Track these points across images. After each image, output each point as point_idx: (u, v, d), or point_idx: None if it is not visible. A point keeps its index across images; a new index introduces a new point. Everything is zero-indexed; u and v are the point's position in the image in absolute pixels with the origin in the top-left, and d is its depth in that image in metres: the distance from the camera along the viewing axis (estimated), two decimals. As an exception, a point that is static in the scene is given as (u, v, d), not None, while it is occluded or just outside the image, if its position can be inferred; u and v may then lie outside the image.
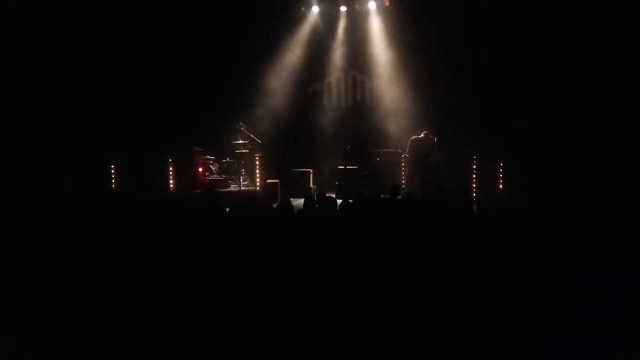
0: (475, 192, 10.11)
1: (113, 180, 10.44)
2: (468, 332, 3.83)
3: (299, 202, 5.92)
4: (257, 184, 10.84)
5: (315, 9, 12.35)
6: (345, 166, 11.33)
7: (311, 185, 11.69)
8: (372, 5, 12.25)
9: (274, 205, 5.51)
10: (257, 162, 10.86)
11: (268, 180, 10.91)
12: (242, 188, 11.04)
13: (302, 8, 12.30)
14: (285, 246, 4.56)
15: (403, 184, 11.02)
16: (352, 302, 4.04)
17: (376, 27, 12.33)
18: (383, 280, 4.22)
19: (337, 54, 12.64)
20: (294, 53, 12.35)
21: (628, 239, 5.04)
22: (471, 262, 4.36)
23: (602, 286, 4.25)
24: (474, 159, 10.29)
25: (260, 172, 10.84)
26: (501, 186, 10.04)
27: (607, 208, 6.46)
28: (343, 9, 12.39)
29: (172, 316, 4.02)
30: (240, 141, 11.35)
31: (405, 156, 11.31)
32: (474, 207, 8.82)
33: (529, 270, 4.32)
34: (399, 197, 7.44)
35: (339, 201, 6.28)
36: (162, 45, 11.43)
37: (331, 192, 10.72)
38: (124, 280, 4.38)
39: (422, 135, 11.07)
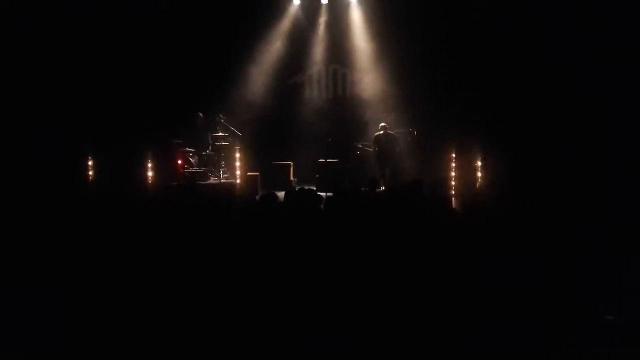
0: (455, 186, 10.19)
1: (90, 174, 10.28)
2: (452, 332, 3.84)
3: (279, 194, 5.89)
4: (237, 176, 10.78)
5: (296, 1, 12.27)
6: (325, 159, 11.33)
7: (292, 178, 11.68)
8: (353, -2, 12.22)
9: (257, 198, 5.49)
10: (237, 155, 10.79)
11: (248, 173, 10.86)
12: (222, 181, 10.97)
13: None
14: (268, 239, 4.54)
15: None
16: (337, 298, 4.03)
17: (357, 19, 12.29)
18: (366, 276, 4.22)
19: (318, 46, 12.57)
20: (274, 45, 12.24)
21: (617, 237, 5.06)
22: (449, 259, 4.38)
23: (588, 287, 4.26)
24: (454, 154, 10.36)
25: (240, 165, 10.78)
26: (480, 180, 10.12)
27: (593, 205, 6.51)
28: (324, 1, 12.32)
29: (150, 317, 3.96)
30: (220, 133, 11.27)
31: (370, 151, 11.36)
32: (453, 202, 8.90)
33: (509, 266, 4.34)
34: (378, 190, 7.49)
35: (321, 194, 6.28)
36: (141, 37, 11.24)
37: (312, 184, 10.74)
38: (103, 280, 4.32)
39: (380, 129, 11.12)
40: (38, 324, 3.95)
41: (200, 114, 11.42)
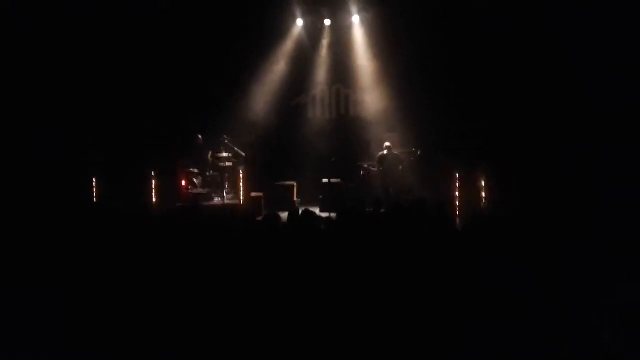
0: (459, 205, 10.14)
1: (94, 193, 10.29)
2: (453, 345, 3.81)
3: (283, 216, 5.87)
4: (241, 197, 10.76)
5: (299, 23, 12.40)
6: (329, 179, 11.31)
7: (295, 199, 11.65)
8: (356, 19, 12.33)
9: (260, 218, 5.47)
10: (241, 176, 10.79)
11: (252, 194, 10.85)
12: (226, 201, 10.96)
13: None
14: (271, 260, 4.51)
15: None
16: (340, 317, 4.00)
17: (360, 40, 12.40)
18: (369, 294, 4.19)
19: (322, 67, 12.66)
20: (278, 66, 12.35)
21: (619, 254, 5.04)
22: (453, 277, 4.35)
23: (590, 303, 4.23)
24: (458, 174, 10.33)
25: (244, 186, 10.77)
26: (484, 200, 10.07)
27: (598, 222, 6.47)
28: (327, 22, 12.45)
29: (153, 338, 3.94)
30: (224, 154, 11.29)
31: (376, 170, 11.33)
32: (458, 221, 8.86)
33: (513, 282, 4.31)
34: (383, 210, 7.45)
35: (323, 215, 6.25)
36: (148, 59, 11.37)
37: (315, 205, 10.72)
38: (106, 298, 4.30)
39: (385, 149, 11.12)
40: (42, 332, 3.95)
41: (199, 136, 11.44)
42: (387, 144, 11.21)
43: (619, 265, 4.74)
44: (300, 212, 5.78)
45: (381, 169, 11.18)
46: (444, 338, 3.86)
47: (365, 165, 11.65)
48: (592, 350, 3.79)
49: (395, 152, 11.22)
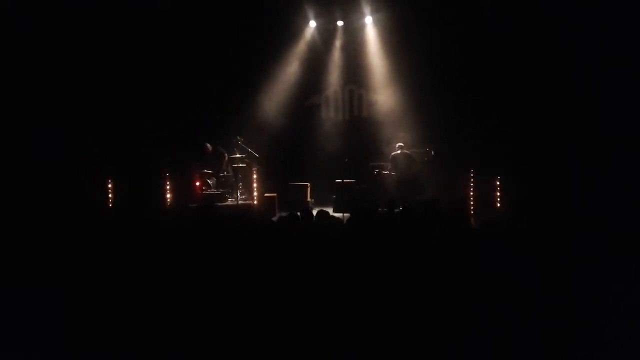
0: (473, 206, 10.10)
1: (110, 195, 10.39)
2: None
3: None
4: (255, 197, 10.81)
5: (312, 24, 12.43)
6: (342, 180, 11.32)
7: (309, 199, 11.67)
8: (368, 20, 12.34)
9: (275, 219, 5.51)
10: (255, 176, 10.84)
11: (265, 194, 10.89)
12: (240, 202, 11.00)
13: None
14: (284, 260, 4.54)
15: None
16: (354, 315, 4.01)
17: (373, 41, 12.40)
18: (383, 293, 4.20)
19: (335, 67, 12.69)
20: (291, 67, 12.40)
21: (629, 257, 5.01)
22: (467, 278, 4.35)
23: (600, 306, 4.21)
24: (472, 173, 10.29)
25: (257, 186, 10.82)
26: (499, 201, 10.02)
27: (610, 224, 6.43)
28: (340, 23, 12.47)
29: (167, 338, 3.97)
30: (238, 155, 11.34)
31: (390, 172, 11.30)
32: (472, 221, 8.82)
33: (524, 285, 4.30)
34: (397, 210, 7.45)
35: (337, 215, 6.27)
36: (161, 60, 11.46)
37: (329, 205, 10.73)
38: (121, 298, 4.34)
39: (397, 149, 11.09)
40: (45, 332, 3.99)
41: (208, 145, 11.51)
42: (400, 143, 11.20)
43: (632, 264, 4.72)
44: (315, 212, 5.81)
45: (394, 169, 11.16)
46: (456, 336, 3.85)
47: (376, 170, 11.58)
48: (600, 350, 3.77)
49: (407, 151, 11.19)
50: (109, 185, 10.36)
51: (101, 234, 6.14)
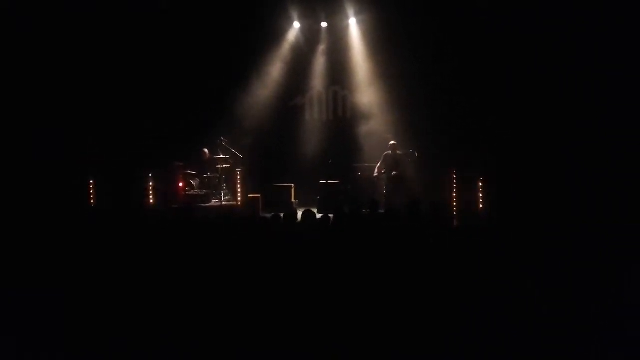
0: (456, 208, 10.16)
1: (92, 196, 10.29)
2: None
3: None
4: (239, 198, 10.78)
5: (296, 25, 12.42)
6: (326, 180, 11.32)
7: (293, 200, 11.66)
8: (352, 21, 12.36)
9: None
10: (239, 177, 10.81)
11: (249, 195, 10.86)
12: (223, 203, 10.97)
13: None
14: (269, 261, 4.53)
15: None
16: (338, 316, 4.02)
17: (357, 42, 12.42)
18: (367, 293, 4.21)
19: (319, 68, 12.68)
20: (275, 68, 12.36)
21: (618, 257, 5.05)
22: (452, 278, 4.37)
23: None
24: (454, 174, 10.33)
25: (241, 187, 10.79)
26: (482, 202, 10.09)
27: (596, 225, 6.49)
28: (324, 24, 12.47)
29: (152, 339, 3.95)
30: (222, 156, 11.30)
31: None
32: (455, 222, 8.88)
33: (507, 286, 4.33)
34: (380, 211, 7.48)
35: (319, 216, 6.27)
36: (144, 61, 11.37)
37: (313, 206, 10.72)
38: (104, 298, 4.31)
39: (389, 148, 11.03)
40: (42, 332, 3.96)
41: (206, 150, 11.47)
42: (392, 142, 11.03)
43: (619, 265, 4.76)
44: (301, 212, 5.80)
45: (383, 168, 11.03)
46: (440, 336, 3.88)
47: (362, 167, 11.59)
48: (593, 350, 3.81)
49: (399, 152, 11.09)
50: (91, 186, 10.27)
51: (83, 235, 6.10)
